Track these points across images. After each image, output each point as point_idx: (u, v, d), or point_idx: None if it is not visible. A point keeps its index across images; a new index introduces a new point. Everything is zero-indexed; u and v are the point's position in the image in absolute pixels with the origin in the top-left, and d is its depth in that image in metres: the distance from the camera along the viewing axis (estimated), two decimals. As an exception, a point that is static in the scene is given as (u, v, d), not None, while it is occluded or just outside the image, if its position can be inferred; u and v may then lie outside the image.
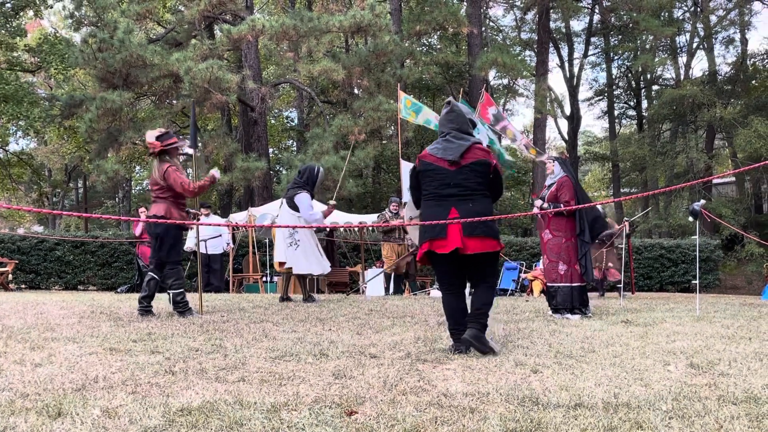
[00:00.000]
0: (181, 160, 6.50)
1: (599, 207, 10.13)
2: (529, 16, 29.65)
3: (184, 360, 3.79)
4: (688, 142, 28.38)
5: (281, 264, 8.02)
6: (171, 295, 6.17)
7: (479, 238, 4.15)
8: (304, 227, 7.54)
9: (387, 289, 11.55)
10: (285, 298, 8.07)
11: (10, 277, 13.63)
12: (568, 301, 6.52)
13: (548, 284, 6.76)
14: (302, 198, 7.76)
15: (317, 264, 7.97)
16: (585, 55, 32.02)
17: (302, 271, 7.94)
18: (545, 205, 6.74)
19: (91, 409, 2.69)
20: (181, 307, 6.14)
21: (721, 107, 24.32)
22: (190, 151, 7.15)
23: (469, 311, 4.27)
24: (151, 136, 6.08)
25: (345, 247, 16.57)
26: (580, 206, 6.43)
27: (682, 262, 16.58)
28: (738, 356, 4.01)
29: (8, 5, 21.32)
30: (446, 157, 4.28)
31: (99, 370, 3.47)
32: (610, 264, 11.05)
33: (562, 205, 6.54)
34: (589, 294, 7.06)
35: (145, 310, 6.15)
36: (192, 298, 7.06)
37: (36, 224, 35.53)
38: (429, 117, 11.14)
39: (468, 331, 4.08)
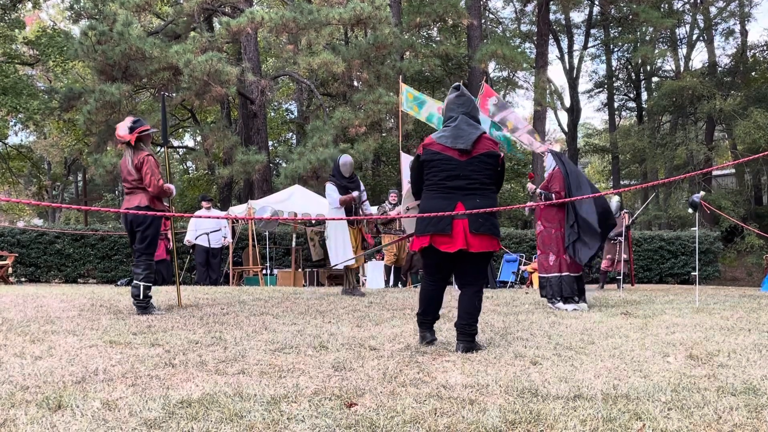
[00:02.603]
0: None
1: (614, 203, 10.07)
2: (529, 7, 29.56)
3: (184, 352, 3.80)
4: (688, 134, 28.38)
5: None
6: (141, 288, 5.73)
7: (484, 236, 3.93)
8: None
9: (387, 281, 11.55)
10: (348, 291, 7.97)
11: (10, 270, 13.62)
12: (558, 290, 6.62)
13: (540, 275, 6.90)
14: (327, 188, 8.10)
15: (342, 256, 7.88)
16: (585, 47, 31.94)
17: (333, 263, 8.06)
18: (538, 191, 6.90)
19: (91, 401, 2.70)
20: (144, 303, 5.75)
21: (721, 99, 24.28)
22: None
23: (456, 313, 4.10)
24: (124, 128, 5.76)
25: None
26: (568, 199, 6.47)
27: (682, 254, 16.59)
28: (737, 347, 4.02)
29: (6, -3, 21.25)
30: (456, 146, 3.94)
31: (99, 362, 3.48)
32: (624, 256, 11.04)
33: (553, 196, 6.67)
34: (591, 286, 7.10)
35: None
36: (190, 291, 7.05)
37: (36, 217, 35.51)
38: (432, 111, 10.88)
39: (460, 346, 3.93)
